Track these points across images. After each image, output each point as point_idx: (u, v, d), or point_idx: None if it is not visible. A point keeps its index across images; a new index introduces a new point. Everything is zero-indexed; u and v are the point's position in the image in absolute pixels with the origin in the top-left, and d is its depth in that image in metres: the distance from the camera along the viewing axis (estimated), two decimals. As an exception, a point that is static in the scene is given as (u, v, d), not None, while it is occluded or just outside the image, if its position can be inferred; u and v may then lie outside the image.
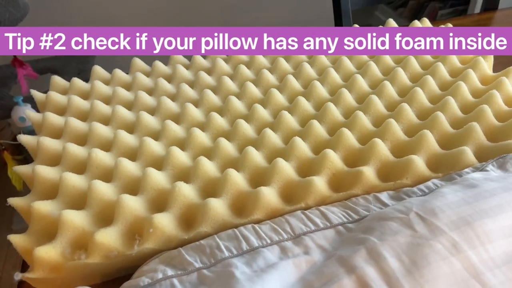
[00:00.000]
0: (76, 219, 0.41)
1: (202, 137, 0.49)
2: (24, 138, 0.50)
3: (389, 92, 0.54)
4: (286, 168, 0.45)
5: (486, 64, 0.59)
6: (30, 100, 1.03)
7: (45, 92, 0.58)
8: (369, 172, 0.43)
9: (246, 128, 0.50)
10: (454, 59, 0.59)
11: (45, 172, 0.46)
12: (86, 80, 0.62)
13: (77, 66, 1.38)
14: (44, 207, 0.42)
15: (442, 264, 0.31)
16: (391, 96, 0.54)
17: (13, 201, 0.44)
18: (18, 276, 0.38)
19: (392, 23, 0.69)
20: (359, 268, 0.31)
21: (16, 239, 0.41)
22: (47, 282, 0.40)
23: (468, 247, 0.32)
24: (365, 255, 0.32)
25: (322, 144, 0.49)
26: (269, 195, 0.42)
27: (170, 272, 0.36)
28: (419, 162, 0.44)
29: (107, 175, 0.46)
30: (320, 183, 0.43)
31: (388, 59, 0.60)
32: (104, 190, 0.43)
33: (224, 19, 1.73)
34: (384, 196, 0.42)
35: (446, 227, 0.33)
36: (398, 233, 0.33)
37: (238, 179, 0.44)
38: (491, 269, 0.31)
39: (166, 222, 0.40)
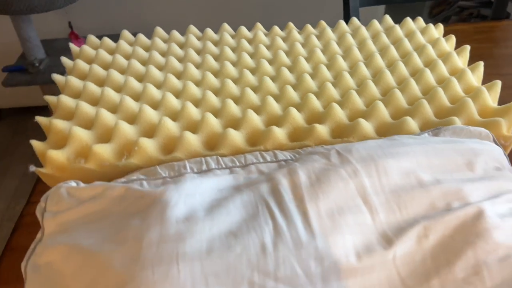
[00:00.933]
0: (82, 134, 0.52)
1: (194, 90, 0.60)
2: (56, 76, 0.63)
3: (362, 72, 0.62)
4: (255, 118, 0.54)
5: (461, 61, 0.65)
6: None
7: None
8: (321, 129, 0.52)
9: (232, 87, 0.60)
10: (431, 51, 0.65)
11: (66, 100, 0.58)
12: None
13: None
14: (60, 124, 0.54)
15: (339, 183, 0.39)
16: (363, 75, 0.62)
17: (39, 119, 0.56)
18: (32, 168, 0.50)
19: (387, 19, 0.76)
20: (276, 179, 0.40)
21: (36, 144, 0.53)
22: (53, 178, 0.51)
23: (366, 175, 0.40)
24: (284, 172, 0.41)
25: (291, 105, 0.57)
26: (236, 136, 0.52)
27: (142, 177, 0.47)
28: (365, 125, 0.52)
29: (114, 109, 0.57)
30: (279, 132, 0.52)
31: (372, 46, 0.68)
32: (107, 117, 0.54)
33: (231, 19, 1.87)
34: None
35: (354, 160, 0.41)
36: (316, 161, 0.42)
37: (213, 122, 0.53)
38: (378, 193, 0.39)
39: (149, 145, 0.51)
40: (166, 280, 0.31)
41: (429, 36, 0.71)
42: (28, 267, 0.37)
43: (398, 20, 0.76)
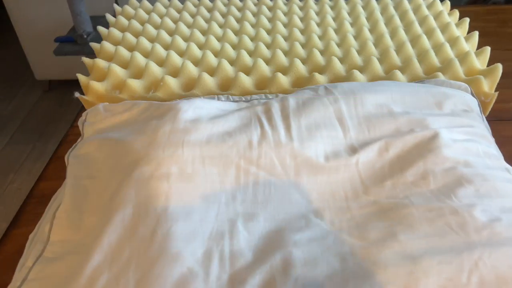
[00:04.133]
0: (118, 71, 0.62)
1: (215, 43, 0.69)
2: (101, 29, 0.74)
3: (364, 35, 0.69)
4: (263, 67, 0.62)
5: (460, 32, 0.71)
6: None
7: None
8: (320, 78, 0.60)
9: (248, 42, 0.69)
10: (432, 21, 0.72)
11: (107, 47, 0.68)
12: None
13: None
14: (101, 63, 0.65)
15: (320, 107, 0.47)
16: (365, 37, 0.69)
17: (84, 59, 0.67)
18: (77, 94, 0.61)
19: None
20: (270, 103, 0.48)
21: (81, 77, 0.63)
22: (93, 105, 0.62)
23: (344, 103, 0.47)
24: (278, 99, 0.49)
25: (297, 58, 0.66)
26: (245, 79, 0.60)
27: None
28: (359, 76, 0.59)
29: (146, 54, 0.67)
30: (283, 78, 0.60)
31: (378, 15, 0.75)
32: (140, 59, 0.64)
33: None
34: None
35: (337, 92, 0.49)
36: (305, 93, 0.50)
37: (228, 68, 0.62)
38: (352, 117, 0.46)
39: (172, 82, 0.60)
40: (172, 157, 0.40)
41: (434, 10, 0.77)
42: (70, 157, 0.48)
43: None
